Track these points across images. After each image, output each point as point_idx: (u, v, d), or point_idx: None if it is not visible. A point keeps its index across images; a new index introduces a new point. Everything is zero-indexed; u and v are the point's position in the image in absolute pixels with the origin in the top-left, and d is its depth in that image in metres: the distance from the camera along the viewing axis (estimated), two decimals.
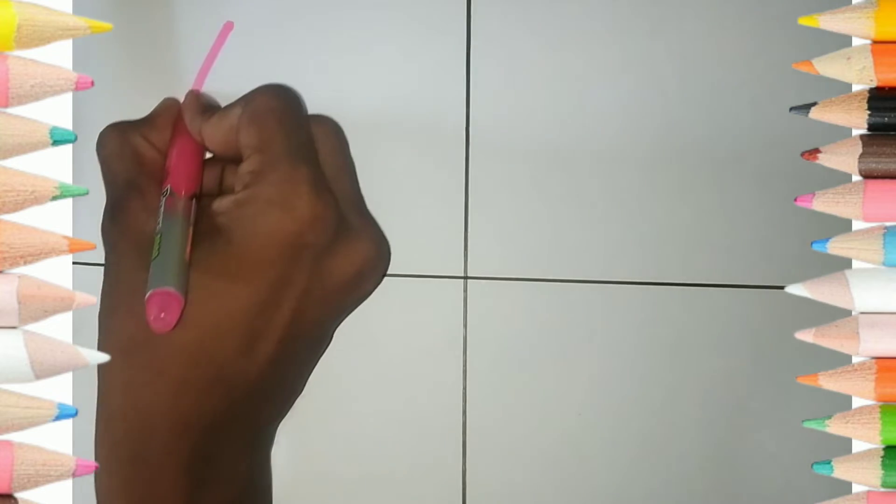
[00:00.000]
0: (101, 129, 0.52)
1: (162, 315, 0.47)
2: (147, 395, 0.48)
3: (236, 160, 0.51)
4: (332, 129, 0.52)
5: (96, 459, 0.49)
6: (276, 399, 0.52)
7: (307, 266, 0.49)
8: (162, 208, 0.50)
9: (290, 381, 0.52)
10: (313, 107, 0.53)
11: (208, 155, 0.54)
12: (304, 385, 0.53)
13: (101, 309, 0.49)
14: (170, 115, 0.53)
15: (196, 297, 0.48)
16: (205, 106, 0.53)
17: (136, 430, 0.48)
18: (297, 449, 0.54)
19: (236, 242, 0.49)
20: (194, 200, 0.51)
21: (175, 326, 0.47)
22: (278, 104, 0.51)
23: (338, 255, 0.50)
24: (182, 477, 0.48)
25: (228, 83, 0.54)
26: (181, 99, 0.54)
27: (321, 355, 0.53)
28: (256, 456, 0.52)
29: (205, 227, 0.50)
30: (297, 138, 0.50)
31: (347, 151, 0.53)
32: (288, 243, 0.49)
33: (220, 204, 0.50)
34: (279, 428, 0.53)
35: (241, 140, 0.50)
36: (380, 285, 0.53)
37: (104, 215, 0.50)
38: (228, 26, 0.55)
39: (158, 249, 0.48)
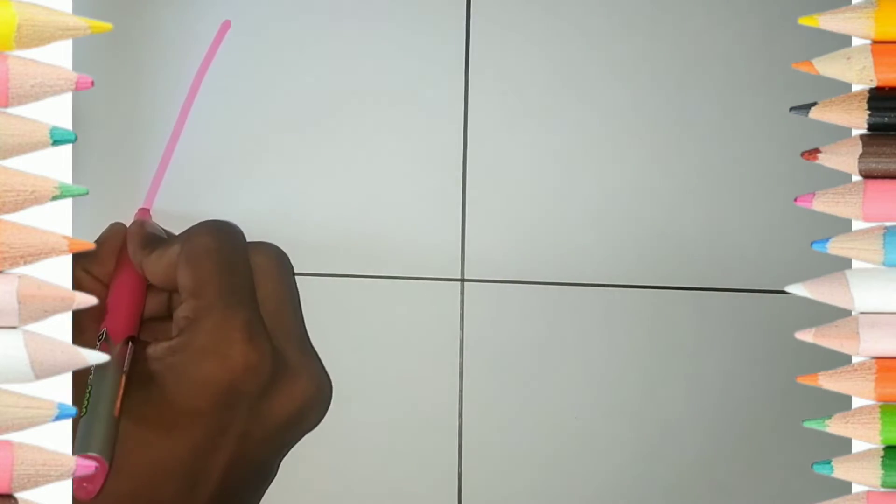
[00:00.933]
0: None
1: (84, 484, 0.47)
2: None
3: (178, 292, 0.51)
4: (273, 258, 0.52)
5: None
6: None
7: (244, 411, 0.49)
8: None
9: None
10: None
11: None
12: None
13: None
14: (114, 244, 0.53)
15: (130, 447, 0.48)
16: (148, 238, 0.52)
17: None
18: (291, 450, 0.54)
19: (169, 390, 0.49)
20: (130, 343, 0.50)
21: (99, 493, 0.47)
22: (215, 244, 0.50)
23: (276, 396, 0.50)
24: None
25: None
26: (128, 222, 0.54)
27: (267, 487, 0.53)
28: None
29: (140, 372, 0.49)
30: (232, 281, 0.50)
31: (290, 281, 0.52)
32: (222, 392, 0.48)
33: (155, 350, 0.49)
34: None
35: (178, 280, 0.50)
36: (324, 417, 0.53)
37: None
38: (226, 25, 0.55)
39: (86, 407, 0.48)
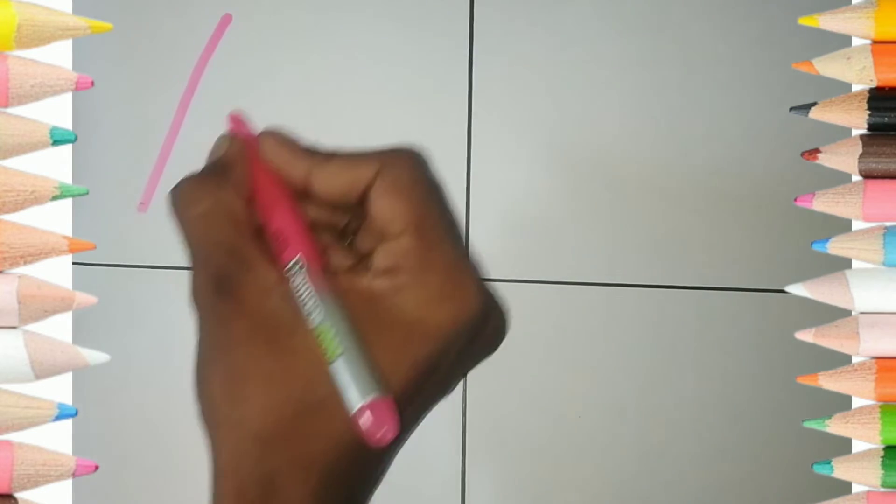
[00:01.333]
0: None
1: (384, 429, 0.42)
2: (290, 488, 0.45)
3: (345, 208, 0.46)
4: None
5: None
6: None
7: (464, 343, 0.47)
8: (307, 288, 0.43)
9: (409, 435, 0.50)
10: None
11: None
12: None
13: (219, 393, 0.44)
14: (242, 159, 0.46)
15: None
16: (305, 146, 0.46)
17: None
18: None
19: (397, 327, 0.45)
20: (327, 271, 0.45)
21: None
22: (423, 177, 0.45)
23: (483, 333, 0.48)
24: None
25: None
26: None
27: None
28: None
29: (355, 303, 0.47)
30: (449, 216, 0.46)
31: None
32: (456, 332, 0.46)
33: (378, 284, 0.44)
34: None
35: (379, 210, 0.45)
36: None
37: (204, 285, 0.44)
38: (227, 19, 0.55)
39: (338, 346, 0.42)
